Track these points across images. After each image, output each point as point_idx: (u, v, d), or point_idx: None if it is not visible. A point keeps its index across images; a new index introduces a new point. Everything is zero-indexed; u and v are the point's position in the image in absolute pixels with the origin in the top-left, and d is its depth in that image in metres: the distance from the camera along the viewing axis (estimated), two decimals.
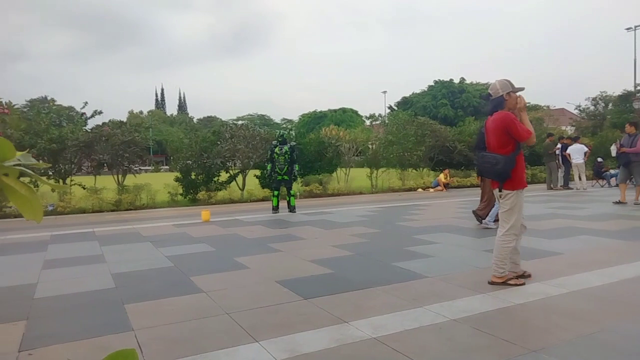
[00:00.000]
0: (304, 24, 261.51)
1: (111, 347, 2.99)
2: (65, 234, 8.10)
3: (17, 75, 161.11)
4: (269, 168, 10.71)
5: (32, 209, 0.80)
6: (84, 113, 14.93)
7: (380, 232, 7.43)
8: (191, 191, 14.30)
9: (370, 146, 18.98)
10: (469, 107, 57.51)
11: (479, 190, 8.78)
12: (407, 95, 66.42)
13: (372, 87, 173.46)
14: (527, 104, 5.76)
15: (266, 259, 5.60)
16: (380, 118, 35.75)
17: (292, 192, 10.79)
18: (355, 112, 76.75)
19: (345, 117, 71.10)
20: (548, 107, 44.94)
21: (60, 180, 13.11)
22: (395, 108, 64.74)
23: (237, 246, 6.52)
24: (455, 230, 7.48)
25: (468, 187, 17.63)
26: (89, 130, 14.18)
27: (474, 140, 20.06)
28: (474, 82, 62.84)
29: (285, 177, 10.55)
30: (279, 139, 10.68)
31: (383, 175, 18.24)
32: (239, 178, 15.20)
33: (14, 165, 0.79)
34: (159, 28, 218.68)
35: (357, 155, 18.63)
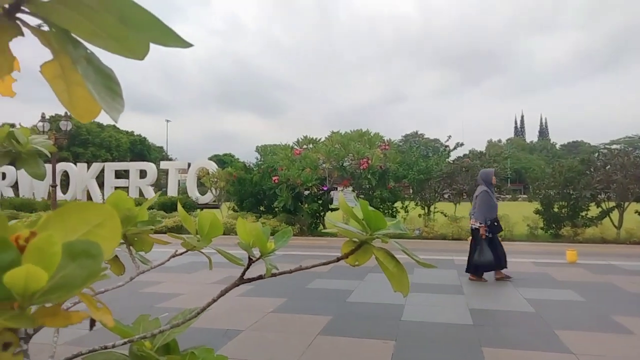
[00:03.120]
0: None
1: None
2: (429, 259, 8.77)
3: (395, 114, 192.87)
4: None
5: (400, 283, 0.83)
6: (447, 146, 16.09)
7: None
8: (553, 225, 13.11)
9: None
10: None
11: None
12: None
13: None
14: None
15: None
16: None
17: None
18: None
19: None
20: None
21: (426, 207, 14.46)
22: None
23: (615, 300, 5.38)
24: None
25: None
26: (451, 162, 15.22)
27: None
28: None
29: None
30: None
31: None
32: (614, 214, 12.86)
33: (383, 234, 0.82)
34: (521, 54, 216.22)
35: None
